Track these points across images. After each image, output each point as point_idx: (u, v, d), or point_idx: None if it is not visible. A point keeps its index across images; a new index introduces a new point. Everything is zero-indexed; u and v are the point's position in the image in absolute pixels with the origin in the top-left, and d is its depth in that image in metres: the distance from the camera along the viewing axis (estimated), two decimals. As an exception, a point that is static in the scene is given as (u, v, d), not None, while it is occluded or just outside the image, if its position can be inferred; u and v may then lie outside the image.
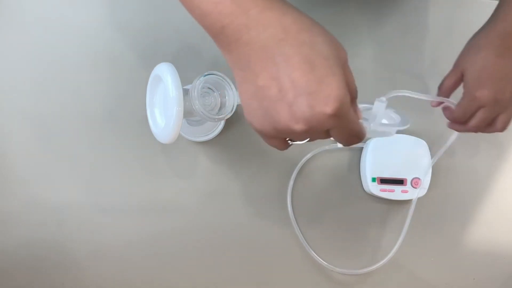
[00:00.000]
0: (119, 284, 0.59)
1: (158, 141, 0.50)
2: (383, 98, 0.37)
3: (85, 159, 0.59)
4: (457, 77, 0.49)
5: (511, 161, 0.61)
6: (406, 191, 0.57)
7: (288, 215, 0.59)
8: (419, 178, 0.57)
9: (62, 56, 0.60)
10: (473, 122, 0.48)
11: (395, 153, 0.58)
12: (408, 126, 0.43)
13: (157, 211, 0.59)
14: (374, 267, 0.59)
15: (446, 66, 0.52)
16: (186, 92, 0.47)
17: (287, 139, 0.37)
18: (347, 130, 0.33)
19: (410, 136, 0.59)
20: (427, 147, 0.58)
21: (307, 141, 0.36)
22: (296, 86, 0.29)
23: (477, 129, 0.49)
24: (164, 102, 0.49)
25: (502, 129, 0.49)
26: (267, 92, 0.30)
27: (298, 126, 0.30)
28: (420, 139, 0.58)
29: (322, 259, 0.58)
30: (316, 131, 0.32)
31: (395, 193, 0.57)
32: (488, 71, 0.45)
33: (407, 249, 0.60)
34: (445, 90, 0.51)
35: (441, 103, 0.51)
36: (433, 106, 0.53)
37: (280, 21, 0.30)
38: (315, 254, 0.58)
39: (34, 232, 0.58)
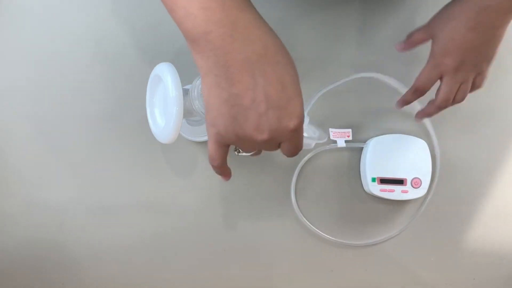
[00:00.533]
0: (119, 284, 0.59)
1: (158, 141, 0.50)
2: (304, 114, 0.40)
3: (85, 159, 0.59)
4: (425, 36, 0.49)
5: (511, 161, 0.61)
6: (406, 191, 0.57)
7: (290, 215, 0.59)
8: (419, 178, 0.57)
9: (62, 56, 0.60)
10: (439, 96, 0.48)
11: (395, 153, 0.58)
12: (325, 140, 0.50)
13: (157, 210, 0.59)
14: (374, 267, 0.59)
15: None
16: (186, 92, 0.47)
17: (235, 149, 0.40)
18: (297, 143, 0.37)
19: (410, 136, 0.59)
20: (427, 147, 0.58)
21: (251, 154, 0.41)
22: (269, 100, 0.33)
23: (445, 102, 0.49)
24: (164, 102, 0.49)
25: (478, 87, 0.49)
26: (240, 101, 0.32)
27: (262, 136, 0.34)
28: (420, 139, 0.58)
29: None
30: (272, 142, 0.35)
31: (395, 193, 0.57)
32: (456, 42, 0.45)
33: (407, 249, 0.60)
34: (411, 42, 0.51)
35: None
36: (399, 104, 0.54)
37: (262, 39, 0.33)
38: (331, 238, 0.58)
39: (34, 232, 0.58)
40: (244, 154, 0.41)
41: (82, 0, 0.61)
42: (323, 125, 0.60)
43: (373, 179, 0.57)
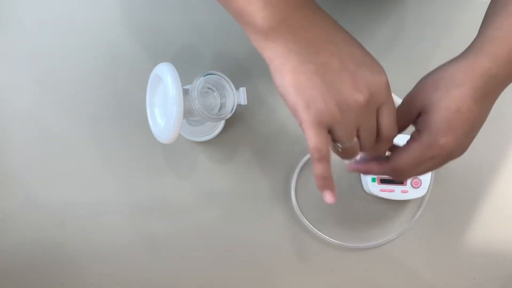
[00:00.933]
0: (119, 284, 0.59)
1: (158, 141, 0.50)
2: None
3: (85, 159, 0.59)
4: (411, 116, 0.39)
5: (511, 162, 0.61)
6: (406, 191, 0.57)
7: (291, 214, 0.59)
8: (419, 178, 0.57)
9: (62, 56, 0.60)
10: (420, 171, 0.39)
11: (395, 153, 0.58)
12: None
13: (157, 211, 0.59)
14: (374, 267, 0.59)
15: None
16: (186, 92, 0.47)
17: (334, 147, 0.37)
18: (393, 108, 0.36)
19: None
20: (427, 147, 0.58)
21: (351, 145, 0.36)
22: (356, 59, 0.34)
23: (407, 175, 0.40)
24: (164, 102, 0.49)
25: None
26: (330, 66, 0.33)
27: (362, 95, 0.33)
28: (420, 139, 0.58)
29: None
30: (372, 106, 0.34)
31: (395, 193, 0.57)
32: (462, 116, 0.36)
33: (407, 249, 0.60)
34: (400, 129, 0.39)
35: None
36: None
37: (332, 20, 0.35)
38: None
39: (34, 232, 0.58)
40: (345, 145, 0.35)
41: (82, 0, 0.61)
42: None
43: (373, 179, 0.57)
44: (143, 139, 0.58)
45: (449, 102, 0.36)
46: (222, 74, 0.49)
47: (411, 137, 0.39)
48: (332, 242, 0.59)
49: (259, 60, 0.60)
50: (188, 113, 0.48)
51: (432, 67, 0.39)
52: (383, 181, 0.57)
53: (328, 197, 0.36)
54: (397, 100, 0.46)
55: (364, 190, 0.60)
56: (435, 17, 0.63)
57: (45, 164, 0.59)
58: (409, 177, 0.44)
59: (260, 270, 0.59)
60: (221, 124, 0.58)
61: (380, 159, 0.41)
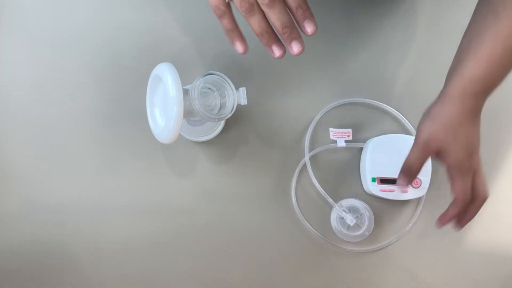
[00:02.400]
0: (119, 284, 0.59)
1: (158, 141, 0.50)
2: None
3: (85, 159, 0.59)
4: (426, 153, 0.46)
5: (510, 162, 0.61)
6: (406, 191, 0.57)
7: (291, 214, 0.59)
8: (419, 178, 0.57)
9: (62, 56, 0.60)
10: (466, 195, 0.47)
11: (395, 153, 0.58)
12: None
13: (157, 211, 0.59)
14: (374, 266, 0.59)
15: (444, 66, 0.51)
16: (186, 92, 0.47)
17: None
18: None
19: (410, 136, 0.59)
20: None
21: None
22: None
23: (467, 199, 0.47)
24: (164, 102, 0.49)
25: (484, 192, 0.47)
26: None
27: None
28: (420, 139, 0.58)
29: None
30: None
31: (395, 193, 0.57)
32: (472, 142, 0.45)
33: (407, 249, 0.60)
34: (416, 172, 0.48)
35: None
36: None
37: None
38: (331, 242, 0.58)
39: (34, 232, 0.58)
40: None
41: (82, 1, 0.61)
42: (323, 124, 0.60)
43: (373, 179, 0.57)
44: (143, 139, 0.58)
45: (461, 139, 0.44)
46: (222, 74, 0.49)
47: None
48: (331, 242, 0.59)
49: (259, 60, 0.61)
50: (188, 113, 0.48)
51: (432, 67, 0.40)
52: (383, 181, 0.57)
53: (239, 47, 0.41)
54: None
55: (364, 190, 0.60)
56: (435, 17, 0.63)
57: (45, 164, 0.59)
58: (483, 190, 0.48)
59: (260, 270, 0.59)
60: (221, 124, 0.58)
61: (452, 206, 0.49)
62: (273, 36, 0.40)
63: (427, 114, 0.46)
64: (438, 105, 0.45)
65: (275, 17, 0.38)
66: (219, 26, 0.40)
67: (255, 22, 0.38)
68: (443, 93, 0.44)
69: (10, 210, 0.58)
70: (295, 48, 0.40)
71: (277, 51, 0.40)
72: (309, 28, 0.40)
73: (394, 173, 0.57)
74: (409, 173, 0.47)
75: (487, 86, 0.43)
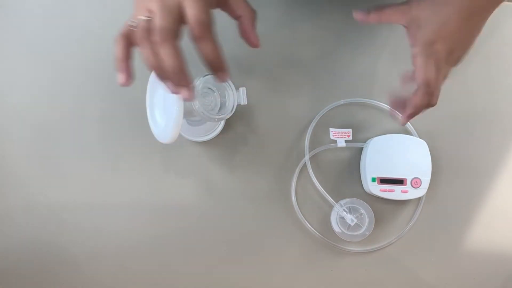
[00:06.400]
0: (119, 284, 0.59)
1: (158, 141, 0.50)
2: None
3: (84, 159, 0.59)
4: (402, 18, 0.45)
5: (511, 162, 0.61)
6: (406, 191, 0.57)
7: (291, 214, 0.59)
8: (419, 178, 0.57)
9: (62, 56, 0.60)
10: (440, 77, 0.44)
11: (395, 153, 0.58)
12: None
13: (157, 211, 0.59)
14: (374, 266, 0.59)
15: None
16: (186, 92, 0.47)
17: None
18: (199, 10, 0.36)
19: (410, 136, 0.59)
20: (427, 147, 0.58)
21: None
22: None
23: (432, 85, 0.44)
24: (164, 102, 0.49)
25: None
26: None
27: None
28: (420, 139, 0.58)
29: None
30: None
31: (395, 193, 0.57)
32: (449, 29, 0.42)
33: (407, 249, 0.60)
34: (380, 17, 0.47)
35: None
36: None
37: None
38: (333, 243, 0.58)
39: (33, 232, 0.58)
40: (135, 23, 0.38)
41: (82, 1, 0.61)
42: (323, 124, 0.60)
43: (373, 179, 0.57)
44: (143, 139, 0.58)
45: (437, 17, 0.42)
46: (222, 74, 0.49)
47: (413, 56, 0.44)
48: (331, 242, 0.59)
49: (259, 60, 0.61)
50: (188, 113, 0.48)
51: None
52: (383, 181, 0.57)
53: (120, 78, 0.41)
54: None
55: (364, 190, 0.60)
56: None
57: (45, 164, 0.59)
58: (437, 87, 0.44)
59: (260, 270, 0.59)
60: (221, 124, 0.58)
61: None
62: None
63: None
64: None
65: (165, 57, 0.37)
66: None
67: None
68: None
69: (10, 210, 0.58)
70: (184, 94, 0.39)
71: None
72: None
73: (394, 173, 0.57)
74: (431, 86, 0.43)
75: None
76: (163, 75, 0.38)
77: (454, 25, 0.42)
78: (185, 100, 0.39)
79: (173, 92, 0.39)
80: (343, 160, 0.61)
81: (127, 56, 0.40)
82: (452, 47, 0.43)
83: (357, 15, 0.48)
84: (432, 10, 0.43)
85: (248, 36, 0.42)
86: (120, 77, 0.40)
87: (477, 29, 0.43)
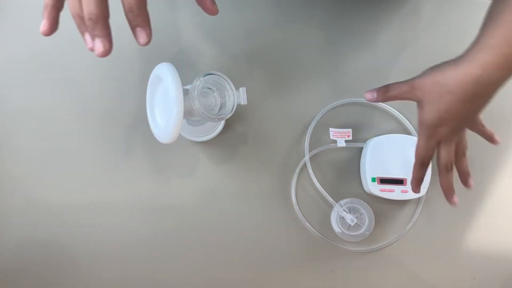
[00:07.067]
0: (119, 284, 0.59)
1: (158, 141, 0.50)
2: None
3: (85, 159, 0.59)
4: (410, 97, 0.47)
5: (511, 161, 0.61)
6: (406, 191, 0.57)
7: (291, 214, 0.59)
8: (419, 178, 0.57)
9: (62, 56, 0.60)
10: (442, 162, 0.48)
11: (395, 153, 0.58)
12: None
13: (157, 210, 0.59)
14: (374, 266, 0.59)
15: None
16: (186, 92, 0.47)
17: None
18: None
19: (410, 136, 0.59)
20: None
21: None
22: None
23: (448, 165, 0.49)
24: (164, 102, 0.49)
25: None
26: None
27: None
28: (420, 139, 0.58)
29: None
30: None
31: (395, 193, 0.57)
32: (452, 114, 0.44)
33: (407, 249, 0.60)
34: (388, 97, 0.49)
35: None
36: None
37: None
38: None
39: (34, 232, 0.58)
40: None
41: (82, 0, 0.61)
42: (323, 124, 0.60)
43: (373, 179, 0.57)
44: (143, 139, 0.58)
45: (441, 105, 0.43)
46: (222, 74, 0.49)
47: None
48: (331, 242, 0.59)
49: (259, 60, 0.61)
50: (188, 113, 0.48)
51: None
52: (383, 181, 0.57)
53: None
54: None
55: (364, 190, 0.60)
56: (436, 18, 0.63)
57: (45, 164, 0.59)
58: (446, 165, 0.49)
59: (260, 270, 0.59)
60: (221, 124, 0.58)
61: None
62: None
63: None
64: (450, 63, 0.43)
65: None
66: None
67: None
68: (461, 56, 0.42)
69: (10, 210, 0.58)
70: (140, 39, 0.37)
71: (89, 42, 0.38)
72: (141, 38, 0.37)
73: (394, 173, 0.57)
74: (425, 164, 0.49)
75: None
76: (81, 25, 0.37)
77: (458, 111, 0.43)
78: (99, 55, 0.37)
79: (89, 47, 0.37)
80: (343, 160, 0.61)
81: (55, 5, 0.39)
82: (455, 126, 0.45)
83: (367, 96, 0.51)
84: (435, 96, 0.44)
85: (203, 1, 0.40)
86: (43, 24, 0.39)
87: (482, 107, 0.44)
